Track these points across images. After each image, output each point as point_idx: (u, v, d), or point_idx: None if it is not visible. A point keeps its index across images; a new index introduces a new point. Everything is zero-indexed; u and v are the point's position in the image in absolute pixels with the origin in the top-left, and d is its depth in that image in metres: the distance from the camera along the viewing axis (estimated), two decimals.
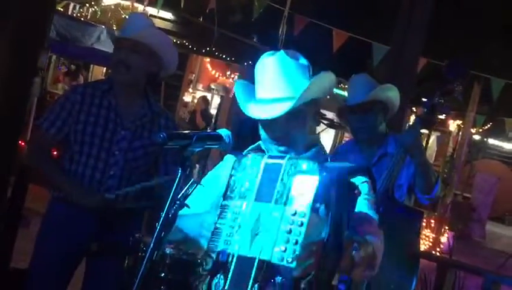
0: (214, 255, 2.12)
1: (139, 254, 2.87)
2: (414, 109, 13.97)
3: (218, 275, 2.08)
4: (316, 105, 2.28)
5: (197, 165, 8.95)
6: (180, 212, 2.15)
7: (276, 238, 1.99)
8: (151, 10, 11.55)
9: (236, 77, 14.63)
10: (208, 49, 12.43)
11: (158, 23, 3.56)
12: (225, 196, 2.19)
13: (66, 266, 3.24)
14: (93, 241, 3.13)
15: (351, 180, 2.24)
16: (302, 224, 1.96)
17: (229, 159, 2.41)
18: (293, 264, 1.93)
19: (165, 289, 2.78)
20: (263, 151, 2.35)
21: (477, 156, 20.09)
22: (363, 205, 2.17)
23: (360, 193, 2.08)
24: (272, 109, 2.18)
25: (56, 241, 3.19)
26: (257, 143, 2.39)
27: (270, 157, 2.18)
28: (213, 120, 14.93)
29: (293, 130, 2.23)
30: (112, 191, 3.18)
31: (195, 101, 15.17)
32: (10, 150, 4.41)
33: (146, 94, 3.32)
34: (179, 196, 2.03)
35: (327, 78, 2.26)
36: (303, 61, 2.28)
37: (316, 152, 2.29)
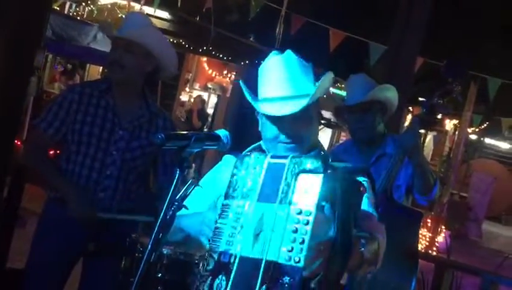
0: (215, 256, 2.09)
1: (136, 254, 2.87)
2: (411, 108, 13.98)
3: (220, 276, 2.05)
4: (319, 104, 2.30)
5: (193, 165, 8.94)
6: (180, 212, 2.14)
7: (282, 238, 1.97)
8: (148, 9, 11.52)
9: (233, 76, 14.62)
10: (204, 48, 12.41)
11: (155, 22, 3.57)
12: (226, 195, 2.16)
13: (63, 266, 3.23)
14: (89, 241, 3.13)
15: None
16: (308, 223, 1.94)
17: (228, 159, 2.40)
18: (301, 264, 1.90)
19: None
20: (263, 151, 2.35)
21: (473, 156, 20.11)
22: (363, 203, 2.16)
23: (365, 190, 2.06)
24: (290, 106, 2.19)
25: (53, 242, 3.17)
26: (258, 143, 2.39)
27: (273, 157, 2.16)
28: (210, 119, 14.93)
29: (301, 130, 2.24)
30: (109, 192, 3.17)
31: (192, 100, 15.15)
32: (6, 150, 4.40)
33: (144, 94, 3.31)
34: (177, 197, 2.01)
35: (330, 77, 2.30)
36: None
37: (317, 153, 2.30)
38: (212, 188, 2.38)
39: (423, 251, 10.19)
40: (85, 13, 12.56)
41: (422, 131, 3.74)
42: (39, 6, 4.29)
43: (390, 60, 5.47)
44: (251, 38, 13.73)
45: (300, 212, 1.97)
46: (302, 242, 1.92)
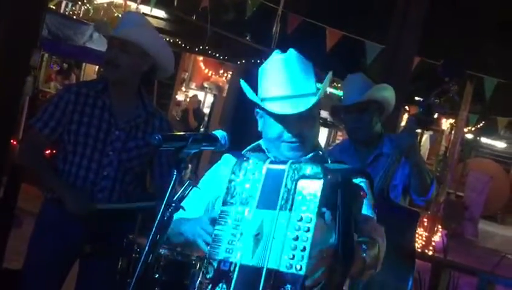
0: (214, 264, 2.06)
1: (133, 255, 2.87)
2: (407, 107, 13.98)
3: (220, 285, 2.02)
4: (320, 104, 2.31)
5: (189, 166, 8.92)
6: (180, 215, 2.13)
7: (283, 245, 1.95)
8: (144, 8, 11.50)
9: (229, 75, 14.60)
10: (201, 47, 12.38)
11: (151, 21, 3.55)
12: (225, 202, 2.13)
13: (60, 267, 3.22)
14: (86, 242, 3.12)
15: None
16: (308, 230, 1.91)
17: (227, 158, 2.39)
18: (302, 272, 1.88)
19: None
20: (263, 150, 2.34)
21: (469, 155, 20.16)
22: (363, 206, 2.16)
23: (365, 195, 2.05)
24: (299, 104, 2.19)
25: (49, 243, 3.16)
26: (257, 143, 2.38)
27: (272, 162, 2.14)
28: (206, 119, 14.91)
29: (305, 129, 2.25)
30: (106, 192, 3.16)
31: (188, 100, 15.12)
32: (2, 150, 4.39)
33: (140, 94, 3.29)
34: (175, 198, 2.00)
35: (330, 77, 2.33)
36: None
37: (317, 154, 2.31)
38: (211, 189, 2.37)
39: (420, 250, 10.19)
40: (81, 12, 12.52)
41: (418, 130, 3.73)
42: (35, 6, 4.28)
43: (387, 59, 5.47)
44: (247, 38, 13.72)
45: (300, 219, 1.94)
46: (304, 249, 1.90)
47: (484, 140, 21.66)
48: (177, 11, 12.16)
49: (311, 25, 9.52)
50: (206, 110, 15.51)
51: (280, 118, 2.23)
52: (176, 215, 2.06)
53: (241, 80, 2.34)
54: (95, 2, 12.65)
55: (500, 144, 22.16)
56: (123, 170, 3.20)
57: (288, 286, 1.90)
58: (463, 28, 11.97)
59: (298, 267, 1.89)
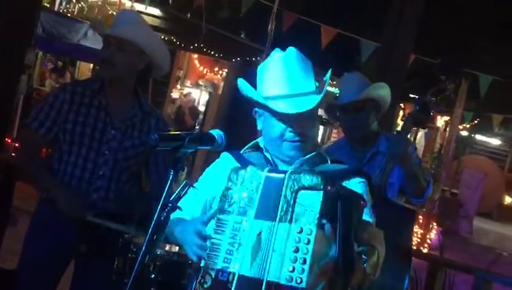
0: (212, 273, 2.03)
1: (129, 255, 2.86)
2: (402, 105, 13.99)
3: None
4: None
5: (185, 168, 8.89)
6: (177, 215, 2.12)
7: (283, 257, 1.92)
8: (139, 6, 11.48)
9: (224, 73, 14.59)
10: (195, 45, 12.37)
11: (145, 19, 3.53)
12: (222, 210, 2.09)
13: (55, 267, 3.21)
14: (82, 242, 3.11)
15: (348, 181, 2.23)
16: (309, 242, 1.89)
17: (225, 157, 2.38)
18: (303, 284, 1.86)
19: None
20: (261, 149, 2.33)
21: (464, 152, 20.19)
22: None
23: (365, 204, 2.04)
24: (304, 103, 2.19)
25: (44, 243, 3.15)
26: (255, 141, 2.37)
27: (271, 171, 2.10)
28: (201, 117, 14.89)
29: (307, 128, 2.25)
30: (101, 192, 3.15)
31: (183, 98, 15.10)
32: None
33: (136, 93, 3.28)
34: (171, 198, 1.99)
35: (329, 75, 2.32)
36: None
37: (317, 153, 2.30)
38: (208, 188, 2.36)
39: (415, 247, 10.21)
40: (75, 10, 12.48)
41: (414, 128, 3.72)
42: (29, 5, 4.27)
43: (383, 57, 5.47)
44: (242, 35, 13.70)
45: (301, 231, 1.92)
46: (304, 262, 1.88)
47: (479, 137, 21.71)
48: (172, 9, 12.14)
49: (306, 22, 9.51)
50: (201, 108, 15.50)
51: (283, 117, 2.22)
52: (172, 215, 2.05)
53: (239, 78, 2.32)
54: (89, 0, 12.61)
55: (495, 141, 22.21)
56: (119, 169, 3.19)
57: None
58: (458, 25, 11.98)
59: (298, 280, 1.87)
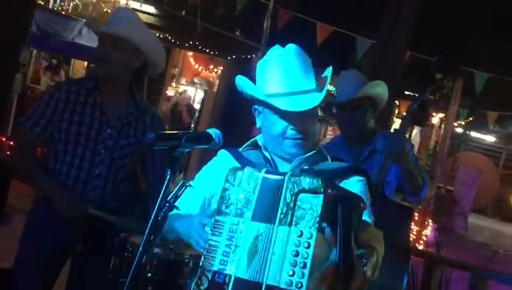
0: (209, 275, 2.01)
1: (125, 254, 2.84)
2: (397, 102, 14.00)
3: None
4: None
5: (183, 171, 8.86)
6: (175, 211, 2.10)
7: (283, 261, 1.90)
8: (134, 4, 11.44)
9: (219, 70, 14.56)
10: (191, 43, 12.34)
11: (140, 17, 3.52)
12: (219, 211, 2.07)
13: (51, 266, 3.20)
14: (78, 241, 3.09)
15: (347, 179, 2.22)
16: (309, 246, 1.87)
17: (223, 154, 2.36)
18: (303, 289, 1.84)
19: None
20: (259, 147, 2.32)
21: (459, 149, 20.21)
22: None
23: (365, 207, 2.02)
24: (308, 100, 2.18)
25: (40, 242, 3.14)
26: (253, 139, 2.35)
27: (268, 172, 2.08)
28: (196, 114, 14.87)
29: (309, 126, 2.24)
30: (98, 191, 3.13)
31: (178, 96, 15.07)
32: None
33: (132, 92, 3.26)
34: (169, 198, 1.97)
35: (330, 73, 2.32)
36: None
37: (318, 151, 2.29)
38: (206, 186, 2.34)
39: (410, 244, 10.21)
40: (70, 8, 12.43)
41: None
42: (24, 3, 4.24)
43: (379, 54, 5.45)
44: (237, 33, 13.69)
45: (301, 235, 1.90)
46: (304, 266, 1.86)
47: (474, 134, 21.73)
48: (167, 7, 12.12)
49: (301, 20, 9.51)
50: (197, 106, 15.48)
51: (285, 115, 2.20)
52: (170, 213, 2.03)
53: (238, 75, 2.30)
54: None
55: (490, 138, 22.24)
56: (115, 168, 3.17)
57: None
58: (453, 22, 11.99)
59: (298, 284, 1.85)
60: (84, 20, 10.78)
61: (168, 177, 1.97)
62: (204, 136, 2.12)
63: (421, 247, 10.94)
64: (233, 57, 12.56)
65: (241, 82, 2.30)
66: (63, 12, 11.95)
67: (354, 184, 2.25)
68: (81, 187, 3.12)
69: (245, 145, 2.37)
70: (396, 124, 11.81)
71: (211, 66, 15.33)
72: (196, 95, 16.06)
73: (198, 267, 2.07)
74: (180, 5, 11.77)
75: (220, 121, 11.96)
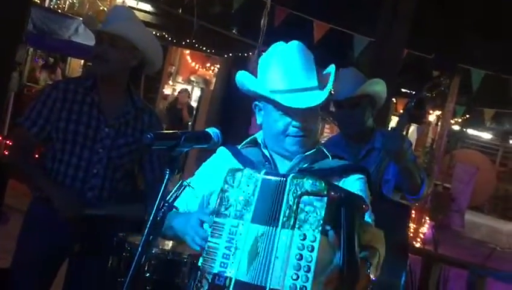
0: (209, 277, 2.00)
1: (123, 253, 2.84)
2: (394, 100, 14.00)
3: None
4: None
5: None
6: (174, 210, 2.09)
7: (287, 265, 1.88)
8: (130, 2, 11.42)
9: (216, 68, 14.56)
10: (187, 41, 12.31)
11: (137, 15, 3.51)
12: (218, 213, 2.05)
13: (49, 266, 3.19)
14: (75, 241, 3.09)
15: (347, 177, 2.21)
16: (313, 249, 1.85)
17: (222, 152, 2.35)
18: None
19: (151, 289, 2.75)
20: (258, 145, 2.31)
21: (455, 146, 20.23)
22: None
23: (368, 208, 2.01)
24: (312, 98, 2.17)
25: (38, 242, 3.13)
26: (253, 137, 2.34)
27: (267, 173, 2.06)
28: (194, 112, 14.86)
29: (311, 123, 2.23)
30: (96, 191, 3.12)
31: (175, 94, 15.06)
32: None
33: (129, 90, 3.25)
34: (167, 198, 1.96)
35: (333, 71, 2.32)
36: None
37: (318, 150, 2.28)
38: (205, 184, 2.33)
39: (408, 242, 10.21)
40: (66, 6, 12.40)
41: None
42: (20, 1, 4.23)
43: (376, 52, 5.45)
44: (234, 31, 13.67)
45: (304, 238, 1.88)
46: (308, 270, 1.84)
47: (470, 131, 21.76)
48: (163, 5, 12.09)
49: (298, 17, 9.49)
50: (193, 104, 15.47)
51: (289, 111, 2.19)
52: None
53: (240, 71, 2.29)
54: None
55: (486, 135, 22.28)
56: (113, 168, 3.16)
57: None
58: (450, 20, 11.98)
59: (303, 288, 1.84)
60: (80, 18, 10.77)
61: (167, 177, 1.96)
62: (203, 136, 2.11)
63: (418, 244, 10.94)
64: (230, 55, 12.55)
65: (243, 78, 2.28)
66: (59, 11, 11.92)
67: (354, 182, 2.25)
68: (79, 186, 3.11)
69: (244, 142, 2.36)
70: (394, 121, 11.82)
71: (208, 64, 15.34)
72: (193, 93, 16.06)
73: (196, 268, 2.07)
74: (176, 3, 11.73)
75: (216, 119, 11.94)
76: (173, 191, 2.01)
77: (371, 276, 1.98)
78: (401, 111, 3.85)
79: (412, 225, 12.13)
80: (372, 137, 3.50)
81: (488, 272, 4.84)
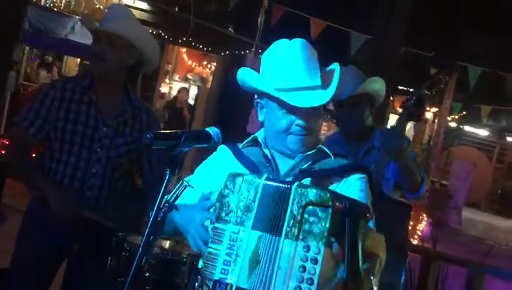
0: (209, 284, 1.98)
1: (123, 253, 2.83)
2: (391, 97, 13.98)
3: None
4: None
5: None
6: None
7: (290, 276, 1.85)
8: (126, 0, 11.40)
9: (213, 66, 14.54)
10: (184, 39, 12.29)
11: (133, 13, 3.51)
12: (218, 218, 2.03)
13: (47, 266, 3.18)
14: (74, 241, 3.07)
15: (348, 177, 2.20)
16: (316, 261, 1.83)
17: (222, 150, 2.34)
18: None
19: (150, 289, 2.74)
20: (259, 144, 2.29)
21: (452, 143, 20.25)
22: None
23: (372, 216, 1.98)
24: (318, 97, 2.17)
25: (37, 242, 3.12)
26: (254, 135, 2.33)
27: (268, 179, 2.03)
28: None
29: (313, 122, 2.22)
30: (95, 190, 3.11)
31: (172, 92, 15.04)
32: None
33: (126, 89, 3.24)
34: (168, 198, 1.95)
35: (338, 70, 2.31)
36: None
37: (320, 149, 2.27)
38: (205, 182, 2.31)
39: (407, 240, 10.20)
40: (62, 4, 12.36)
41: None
42: (17, 1, 4.21)
43: (373, 49, 5.45)
44: (230, 29, 13.65)
45: (308, 249, 1.85)
46: (311, 283, 1.82)
47: (467, 128, 21.78)
48: (160, 3, 12.06)
49: (295, 15, 9.47)
50: (191, 102, 15.46)
51: (292, 110, 2.17)
52: None
53: (242, 68, 2.26)
54: None
55: (483, 132, 22.29)
56: (112, 167, 3.15)
57: None
58: (446, 16, 11.98)
59: None
60: (77, 16, 10.74)
61: (167, 177, 1.94)
62: (203, 135, 2.09)
63: (415, 242, 10.95)
64: (227, 53, 12.53)
65: (246, 75, 2.26)
66: (55, 9, 11.89)
67: (355, 182, 2.23)
68: (78, 186, 3.10)
69: (245, 141, 2.34)
70: (391, 119, 11.81)
71: (205, 62, 15.31)
72: (190, 92, 16.04)
73: (196, 268, 2.06)
74: (173, 1, 11.71)
75: (214, 117, 11.93)
76: (173, 190, 2.00)
77: (374, 288, 1.96)
78: (398, 108, 3.85)
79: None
80: (372, 135, 3.50)
81: (487, 270, 4.85)
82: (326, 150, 2.29)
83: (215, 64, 14.27)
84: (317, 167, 2.23)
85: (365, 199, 2.19)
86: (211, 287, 1.97)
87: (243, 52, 11.65)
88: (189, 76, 15.88)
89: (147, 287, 2.75)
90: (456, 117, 17.82)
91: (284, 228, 1.91)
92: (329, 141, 3.73)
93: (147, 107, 3.38)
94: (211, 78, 14.51)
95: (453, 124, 19.64)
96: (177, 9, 12.04)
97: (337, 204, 1.86)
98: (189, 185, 2.03)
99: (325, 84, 2.21)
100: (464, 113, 16.61)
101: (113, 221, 3.02)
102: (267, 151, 2.28)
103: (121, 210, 3.14)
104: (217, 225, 2.03)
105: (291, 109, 2.17)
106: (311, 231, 1.86)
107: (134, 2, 11.00)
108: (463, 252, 8.49)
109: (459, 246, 11.06)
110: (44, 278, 3.19)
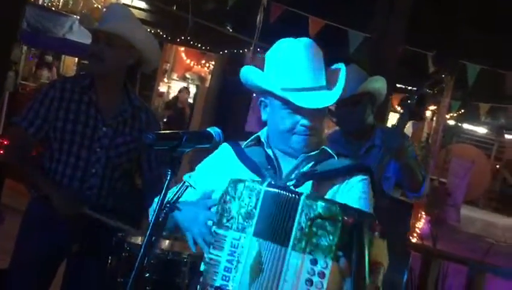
0: None
1: (122, 254, 2.82)
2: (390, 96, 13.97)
3: None
4: None
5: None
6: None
7: (296, 289, 1.83)
8: None
9: (211, 65, 14.52)
10: (182, 38, 12.29)
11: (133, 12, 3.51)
12: (220, 224, 2.02)
13: (47, 266, 3.18)
14: (74, 241, 3.07)
15: (350, 178, 2.19)
16: (324, 276, 1.80)
17: (224, 148, 2.32)
18: None
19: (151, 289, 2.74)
20: (262, 144, 2.28)
21: (451, 141, 20.25)
22: (359, 202, 2.12)
23: (378, 228, 1.95)
24: (325, 97, 2.15)
25: (37, 242, 3.12)
26: (256, 135, 2.31)
27: (270, 185, 2.01)
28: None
29: (318, 122, 2.20)
30: (94, 190, 3.11)
31: (170, 91, 15.02)
32: None
33: (126, 89, 3.23)
34: (169, 198, 1.94)
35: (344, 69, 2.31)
36: None
37: (323, 150, 2.25)
38: (206, 181, 2.30)
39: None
40: (60, 4, 12.35)
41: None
42: (15, 1, 4.20)
43: (373, 48, 5.44)
44: (228, 28, 13.63)
45: (315, 263, 1.83)
46: None
47: (466, 126, 21.79)
48: (158, 2, 12.05)
49: (293, 14, 9.46)
50: (189, 101, 15.46)
51: (297, 110, 2.15)
52: None
53: (247, 66, 2.24)
54: None
55: (482, 130, 22.30)
56: (111, 167, 3.15)
57: None
58: (445, 14, 11.97)
59: None
60: (75, 16, 10.73)
61: (168, 178, 1.93)
62: (205, 136, 2.08)
63: (414, 240, 10.95)
64: (226, 51, 12.52)
65: (250, 73, 2.24)
66: (53, 8, 11.87)
67: (357, 183, 2.21)
68: (77, 186, 3.10)
69: (248, 140, 2.32)
70: (391, 118, 11.80)
71: (203, 61, 15.29)
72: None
73: (196, 269, 2.05)
74: (171, 0, 11.71)
75: (212, 116, 11.92)
76: (175, 191, 1.99)
77: None
78: (397, 106, 3.84)
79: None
80: (373, 134, 3.49)
81: (488, 268, 4.84)
82: (329, 150, 2.26)
83: (213, 63, 14.25)
84: (319, 168, 2.22)
85: (367, 202, 2.18)
86: None
87: (241, 51, 11.63)
88: (187, 75, 15.86)
89: (148, 287, 2.74)
90: (455, 115, 17.81)
91: (291, 240, 1.88)
92: (330, 140, 3.72)
93: (146, 107, 3.38)
94: (209, 77, 14.49)
95: (451, 122, 19.64)
96: (175, 8, 12.02)
97: (346, 218, 1.83)
98: (191, 186, 2.02)
99: (330, 85, 2.19)
100: (463, 111, 16.59)
101: (114, 220, 3.01)
102: (269, 151, 2.26)
103: (120, 210, 3.12)
104: (218, 230, 2.01)
105: (296, 109, 2.15)
106: (318, 244, 1.84)
107: (132, 1, 10.99)
108: (462, 250, 8.49)
109: (459, 244, 11.07)
110: (44, 278, 3.19)
